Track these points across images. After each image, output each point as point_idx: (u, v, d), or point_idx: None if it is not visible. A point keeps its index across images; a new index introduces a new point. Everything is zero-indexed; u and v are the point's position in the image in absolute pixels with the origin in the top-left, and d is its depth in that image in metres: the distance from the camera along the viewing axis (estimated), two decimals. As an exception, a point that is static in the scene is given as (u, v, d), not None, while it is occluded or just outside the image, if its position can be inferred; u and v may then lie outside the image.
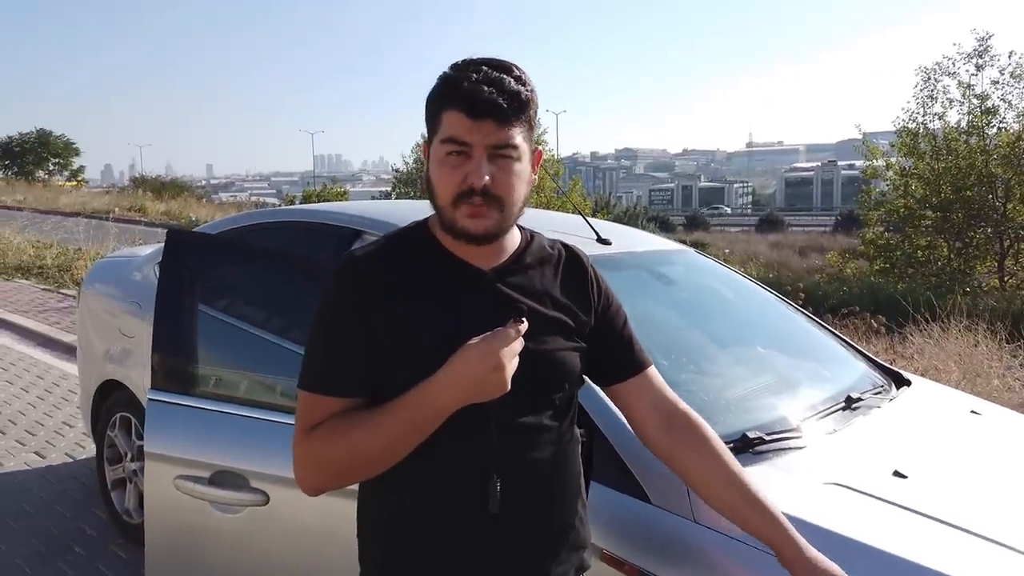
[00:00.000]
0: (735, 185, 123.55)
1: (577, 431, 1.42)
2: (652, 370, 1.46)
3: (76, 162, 46.80)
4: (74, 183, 41.98)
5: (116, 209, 24.97)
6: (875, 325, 6.04)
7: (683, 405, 1.45)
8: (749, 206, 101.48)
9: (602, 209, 29.85)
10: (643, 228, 31.33)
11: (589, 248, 2.49)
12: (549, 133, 22.64)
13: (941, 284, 13.65)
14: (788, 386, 2.29)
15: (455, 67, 1.23)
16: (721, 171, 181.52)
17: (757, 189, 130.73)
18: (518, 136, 1.21)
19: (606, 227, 2.85)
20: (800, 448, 1.90)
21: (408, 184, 22.68)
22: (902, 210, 15.42)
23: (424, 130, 1.30)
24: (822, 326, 2.93)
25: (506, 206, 1.23)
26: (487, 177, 1.19)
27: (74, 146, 46.42)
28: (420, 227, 1.34)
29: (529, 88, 1.23)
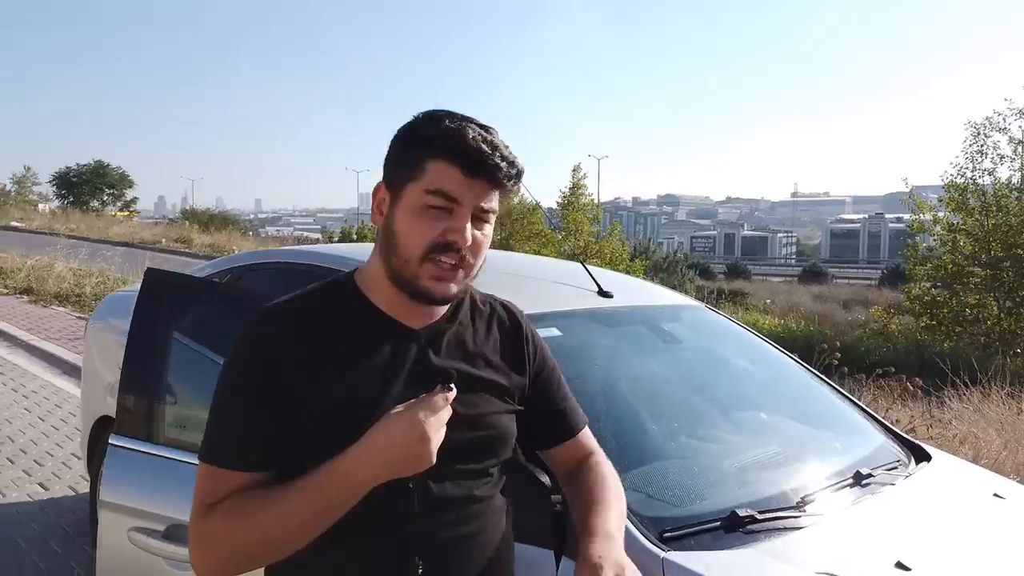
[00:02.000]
0: (779, 235, 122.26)
1: (505, 500, 1.29)
2: (584, 432, 1.39)
3: (129, 193, 48.28)
4: (126, 213, 43.29)
5: (163, 240, 25.64)
6: (911, 388, 5.75)
7: (600, 456, 1.39)
8: (794, 257, 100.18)
9: (640, 255, 29.65)
10: (682, 275, 30.93)
11: (589, 301, 2.40)
12: (590, 178, 22.62)
13: (990, 344, 13.14)
14: (791, 458, 2.12)
15: (446, 116, 1.14)
16: (765, 220, 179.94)
17: (801, 240, 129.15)
18: (496, 201, 1.16)
19: (611, 278, 2.74)
20: (796, 529, 1.74)
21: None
22: (950, 266, 15.01)
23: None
24: (840, 393, 2.74)
25: (472, 271, 1.17)
26: (470, 239, 1.12)
27: (128, 178, 47.96)
28: (345, 280, 1.23)
29: (520, 160, 1.17)
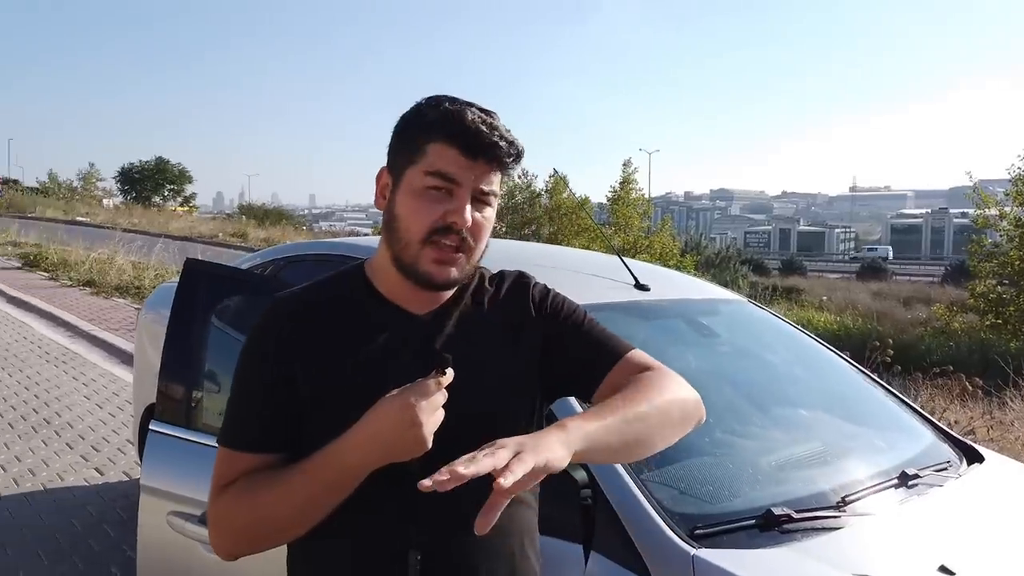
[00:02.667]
0: (837, 230, 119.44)
1: (534, 493, 1.26)
2: (632, 354, 1.23)
3: (189, 189, 49.74)
4: (186, 208, 44.59)
5: (220, 234, 26.34)
6: (971, 387, 5.53)
7: (658, 370, 1.21)
8: (852, 252, 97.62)
9: (692, 250, 29.27)
10: (735, 271, 30.33)
11: (627, 294, 2.36)
12: (641, 172, 22.47)
13: (1060, 344, 12.60)
14: (832, 457, 2.05)
15: (447, 100, 1.15)
16: (822, 215, 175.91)
17: (860, 235, 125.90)
18: (497, 183, 1.16)
19: (649, 271, 2.70)
20: (834, 530, 1.68)
21: (497, 217, 22.84)
22: (1017, 263, 14.45)
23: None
24: (889, 391, 2.65)
25: (475, 255, 1.17)
26: (470, 220, 1.12)
27: (188, 174, 49.42)
28: (354, 271, 1.24)
29: (520, 142, 1.17)
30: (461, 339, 1.19)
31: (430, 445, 1.03)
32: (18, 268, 14.23)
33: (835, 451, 2.10)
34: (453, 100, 1.15)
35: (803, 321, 13.85)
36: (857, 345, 7.48)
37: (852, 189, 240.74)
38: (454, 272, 1.14)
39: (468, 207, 1.11)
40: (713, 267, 30.44)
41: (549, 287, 1.32)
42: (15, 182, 50.20)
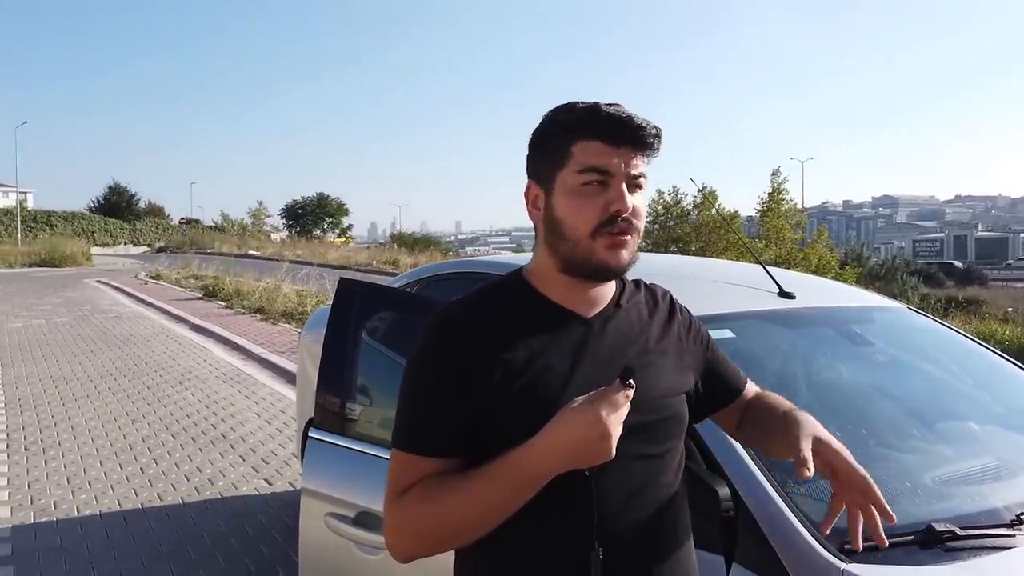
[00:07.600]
0: (1022, 235, 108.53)
1: (685, 491, 1.28)
2: (748, 386, 1.43)
3: (346, 221, 53.02)
4: (342, 239, 47.46)
5: (374, 262, 27.76)
6: None
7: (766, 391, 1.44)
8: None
9: (852, 261, 27.58)
10: (903, 283, 28.16)
11: (770, 302, 2.29)
12: (792, 181, 21.54)
13: None
14: (1007, 472, 1.89)
15: (576, 103, 1.19)
16: (1004, 219, 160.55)
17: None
18: (644, 166, 1.18)
19: (794, 279, 2.59)
20: (1006, 549, 1.54)
21: (644, 235, 22.59)
22: None
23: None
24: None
25: (639, 237, 1.19)
26: (631, 205, 1.15)
27: (345, 207, 52.76)
28: (514, 277, 1.26)
29: (657, 124, 1.19)
30: (631, 340, 1.22)
31: (614, 454, 1.05)
32: (199, 298, 15.69)
33: (1011, 467, 1.92)
34: (580, 102, 1.18)
35: (984, 335, 12.68)
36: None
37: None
38: (625, 255, 1.16)
39: (626, 192, 1.14)
40: (878, 279, 28.47)
41: (685, 308, 1.38)
42: (196, 221, 55.64)
